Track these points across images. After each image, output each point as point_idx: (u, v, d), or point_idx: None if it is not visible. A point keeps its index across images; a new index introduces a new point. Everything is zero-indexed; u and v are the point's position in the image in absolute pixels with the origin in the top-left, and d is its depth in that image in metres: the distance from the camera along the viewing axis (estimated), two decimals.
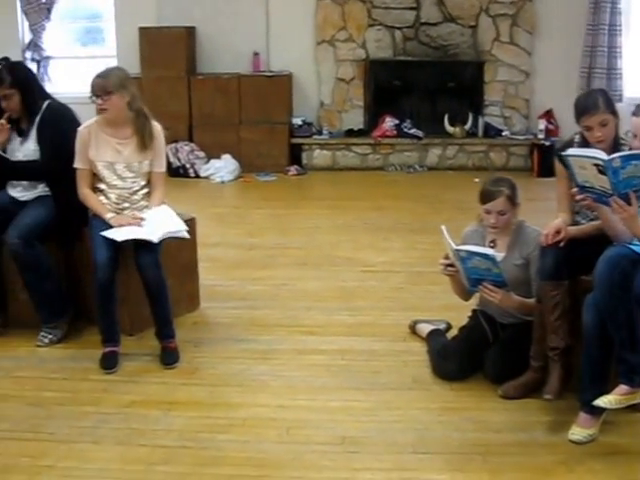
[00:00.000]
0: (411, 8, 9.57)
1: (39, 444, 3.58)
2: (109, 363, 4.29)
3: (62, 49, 10.38)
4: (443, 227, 3.99)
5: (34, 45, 10.11)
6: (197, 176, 9.16)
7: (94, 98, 4.46)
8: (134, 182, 4.55)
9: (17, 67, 4.81)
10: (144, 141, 4.51)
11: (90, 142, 4.52)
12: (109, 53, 10.10)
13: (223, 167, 9.11)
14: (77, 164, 4.54)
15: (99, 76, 4.48)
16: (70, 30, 10.69)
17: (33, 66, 9.78)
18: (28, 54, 10.10)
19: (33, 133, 4.66)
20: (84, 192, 4.54)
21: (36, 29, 10.05)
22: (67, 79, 9.99)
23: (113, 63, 9.82)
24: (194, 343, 4.59)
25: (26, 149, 4.67)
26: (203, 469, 3.35)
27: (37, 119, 4.65)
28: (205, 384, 4.12)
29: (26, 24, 10.11)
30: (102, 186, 4.56)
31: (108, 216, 4.44)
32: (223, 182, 8.97)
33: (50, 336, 4.63)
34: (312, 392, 4.02)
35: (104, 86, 4.43)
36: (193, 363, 4.36)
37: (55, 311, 4.66)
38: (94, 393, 4.05)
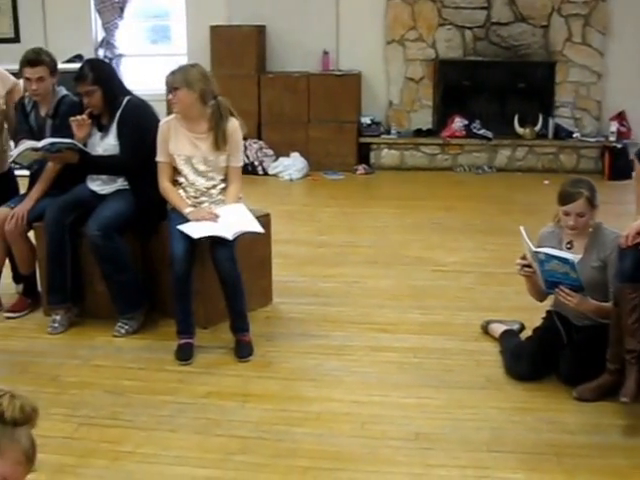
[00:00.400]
0: (482, 8, 9.52)
1: (119, 430, 3.66)
2: (185, 354, 4.36)
3: (133, 47, 10.54)
4: (522, 228, 3.97)
5: (107, 43, 10.27)
6: (265, 174, 9.24)
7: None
8: (211, 177, 4.62)
9: (99, 64, 4.93)
10: (219, 138, 4.57)
11: (170, 136, 4.60)
12: (179, 51, 10.24)
13: (292, 165, 9.16)
14: (158, 157, 4.62)
15: (169, 72, 4.59)
16: (140, 28, 10.86)
17: None
18: (101, 52, 10.26)
19: (113, 128, 4.75)
20: (164, 185, 4.62)
21: (109, 27, 10.21)
22: (138, 76, 10.15)
23: (183, 61, 9.97)
24: (267, 337, 4.64)
25: (106, 144, 4.77)
26: (279, 460, 3.39)
27: (117, 115, 4.75)
28: (279, 378, 4.16)
29: (99, 22, 10.28)
30: (181, 180, 4.63)
31: (187, 211, 4.51)
32: (291, 180, 9.03)
33: (126, 327, 4.71)
34: (386, 388, 4.03)
35: (171, 82, 4.54)
36: (267, 357, 4.40)
37: (132, 303, 4.75)
38: (170, 383, 4.12)
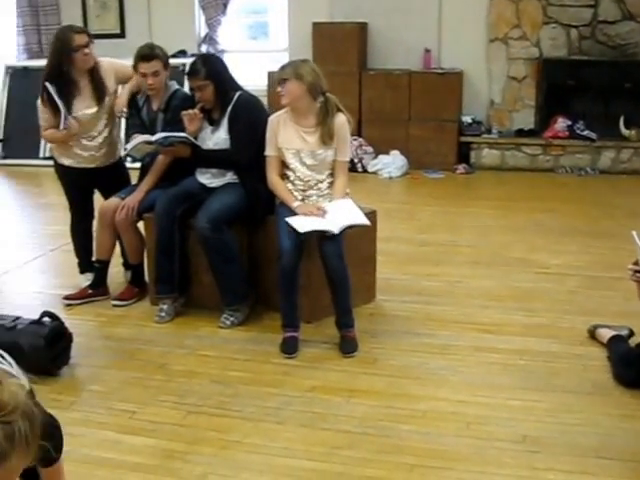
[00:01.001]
0: (588, 6, 9.32)
1: (226, 420, 3.71)
2: (290, 348, 4.39)
3: (234, 43, 10.65)
4: (634, 233, 3.87)
5: (209, 39, 10.40)
6: (365, 171, 9.24)
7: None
8: (319, 170, 4.64)
9: (211, 59, 4.99)
10: (325, 132, 4.59)
11: (279, 130, 4.64)
12: (278, 47, 10.32)
13: (391, 163, 9.15)
14: (267, 151, 4.67)
15: (280, 66, 4.68)
16: (240, 25, 10.97)
17: None
18: (204, 48, 10.40)
19: (224, 123, 4.81)
20: (273, 179, 4.66)
21: (212, 23, 10.34)
22: (239, 72, 10.23)
23: (284, 57, 10.08)
24: (371, 334, 4.64)
25: (217, 138, 4.83)
26: (385, 457, 3.39)
27: (229, 109, 4.81)
28: (384, 375, 4.15)
29: (203, 18, 10.42)
30: (289, 173, 4.67)
31: (294, 205, 4.54)
32: (391, 178, 9.01)
33: (232, 318, 4.77)
34: (491, 389, 3.99)
35: (281, 74, 4.59)
36: (372, 353, 4.40)
37: (238, 295, 4.80)
38: (276, 376, 4.16)
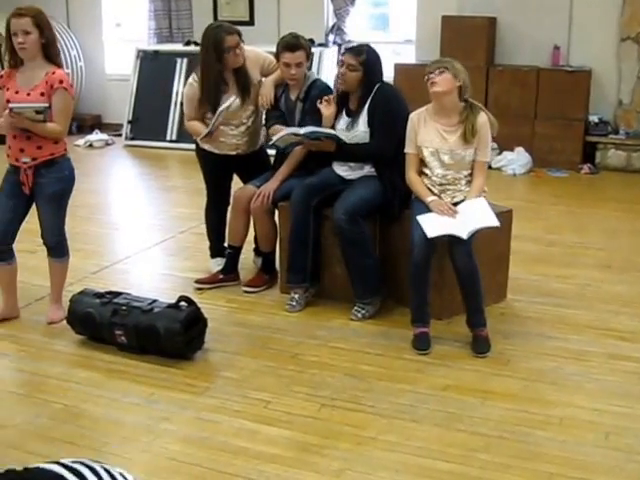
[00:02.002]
0: None
1: (361, 415, 3.72)
2: (422, 344, 4.38)
3: (359, 34, 10.63)
4: None
5: (337, 29, 10.41)
6: (489, 167, 9.09)
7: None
8: (457, 170, 4.59)
9: (374, 51, 4.97)
10: (468, 131, 4.55)
11: (419, 128, 4.61)
12: (400, 39, 10.25)
13: (516, 160, 9.01)
14: (406, 149, 4.65)
15: (432, 61, 4.69)
16: (365, 15, 10.94)
17: (334, 50, 10.11)
18: (331, 37, 10.41)
19: (363, 115, 4.82)
20: (411, 177, 4.65)
21: (340, 14, 10.33)
22: None
23: (410, 50, 10.04)
24: (503, 334, 4.58)
25: (355, 130, 4.83)
26: (523, 463, 3.34)
27: (368, 101, 4.80)
28: (518, 377, 4.10)
29: (331, 8, 10.43)
30: (427, 171, 4.64)
31: (429, 199, 4.51)
32: (515, 175, 8.88)
33: (363, 311, 4.78)
34: (629, 399, 3.89)
35: (438, 63, 4.61)
36: (505, 354, 4.35)
37: (370, 288, 4.81)
38: (409, 372, 4.15)
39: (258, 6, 10.62)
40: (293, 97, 5.12)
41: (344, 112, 4.92)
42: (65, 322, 4.66)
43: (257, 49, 5.40)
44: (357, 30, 10.58)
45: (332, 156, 4.93)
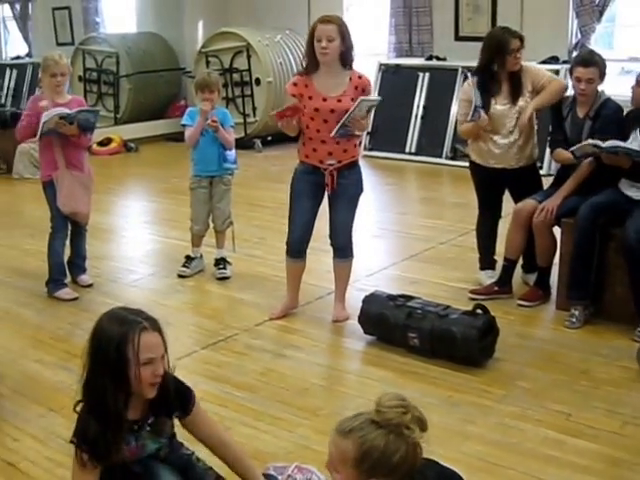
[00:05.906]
0: None
1: None
2: None
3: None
4: None
5: (581, 46, 10.26)
6: None
7: None
8: None
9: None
10: None
11: None
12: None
13: None
14: None
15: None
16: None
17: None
18: (574, 55, 10.28)
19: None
20: None
21: (585, 30, 10.19)
22: None
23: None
24: None
25: None
26: None
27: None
28: None
29: (576, 24, 10.31)
30: None
31: None
32: None
33: None
34: None
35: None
36: None
37: None
38: None
39: (500, 22, 10.59)
40: (581, 114, 5.12)
41: (638, 130, 4.88)
42: (349, 321, 4.87)
43: (539, 66, 5.48)
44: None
45: (625, 173, 4.89)
